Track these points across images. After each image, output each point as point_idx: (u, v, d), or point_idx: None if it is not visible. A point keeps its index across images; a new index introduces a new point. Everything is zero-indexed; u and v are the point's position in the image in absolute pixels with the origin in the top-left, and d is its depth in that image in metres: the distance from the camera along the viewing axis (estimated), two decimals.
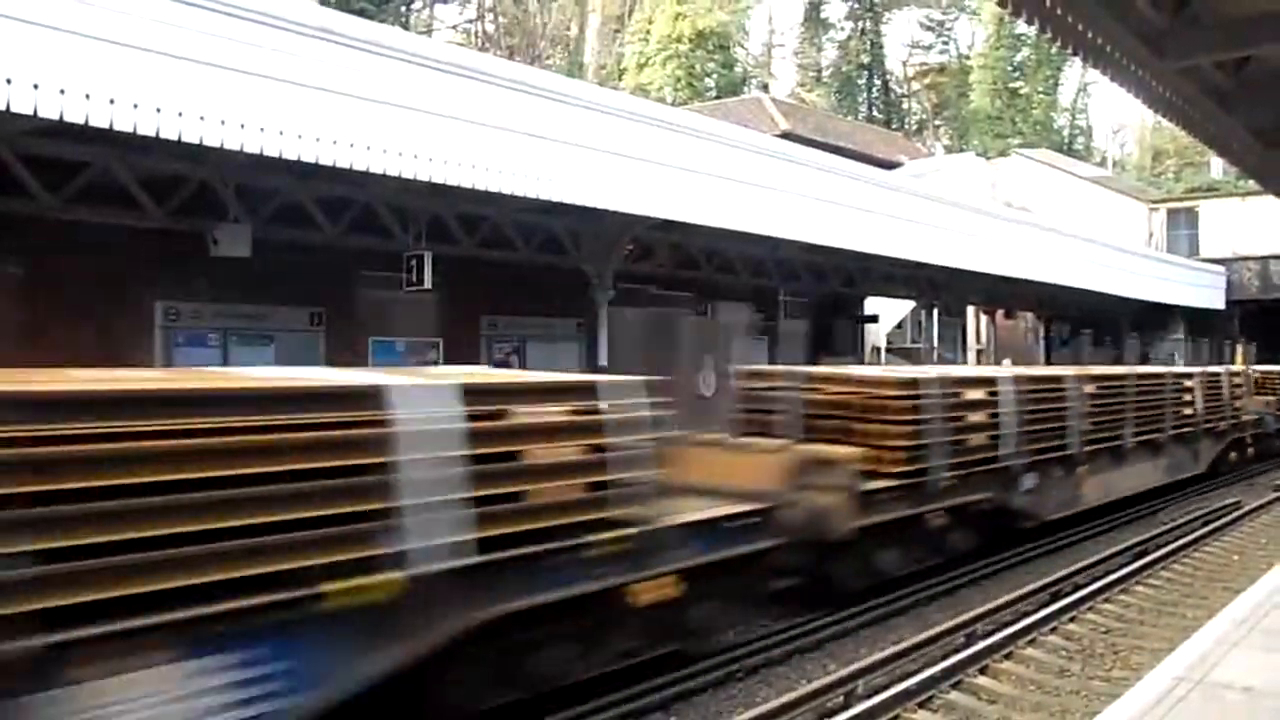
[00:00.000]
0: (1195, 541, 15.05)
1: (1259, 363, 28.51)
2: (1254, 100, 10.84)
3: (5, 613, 4.64)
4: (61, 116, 8.81)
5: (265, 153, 10.36)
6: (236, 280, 14.99)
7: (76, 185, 12.59)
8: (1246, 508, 18.05)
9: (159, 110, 9.40)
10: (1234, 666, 6.67)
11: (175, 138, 9.63)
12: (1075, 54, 8.72)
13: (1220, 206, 40.84)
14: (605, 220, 15.85)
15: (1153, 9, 8.15)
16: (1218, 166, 42.21)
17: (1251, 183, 22.85)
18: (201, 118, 9.71)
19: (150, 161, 12.39)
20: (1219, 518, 16.97)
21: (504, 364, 19.66)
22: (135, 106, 9.23)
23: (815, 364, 23.73)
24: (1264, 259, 37.26)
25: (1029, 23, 7.81)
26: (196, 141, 9.80)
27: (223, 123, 9.88)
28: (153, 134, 9.46)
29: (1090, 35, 8.07)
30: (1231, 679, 6.39)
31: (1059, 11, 7.44)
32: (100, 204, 12.99)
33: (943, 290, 28.76)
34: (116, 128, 9.21)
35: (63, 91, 8.74)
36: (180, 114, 9.56)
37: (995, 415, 12.95)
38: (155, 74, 9.33)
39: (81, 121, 8.95)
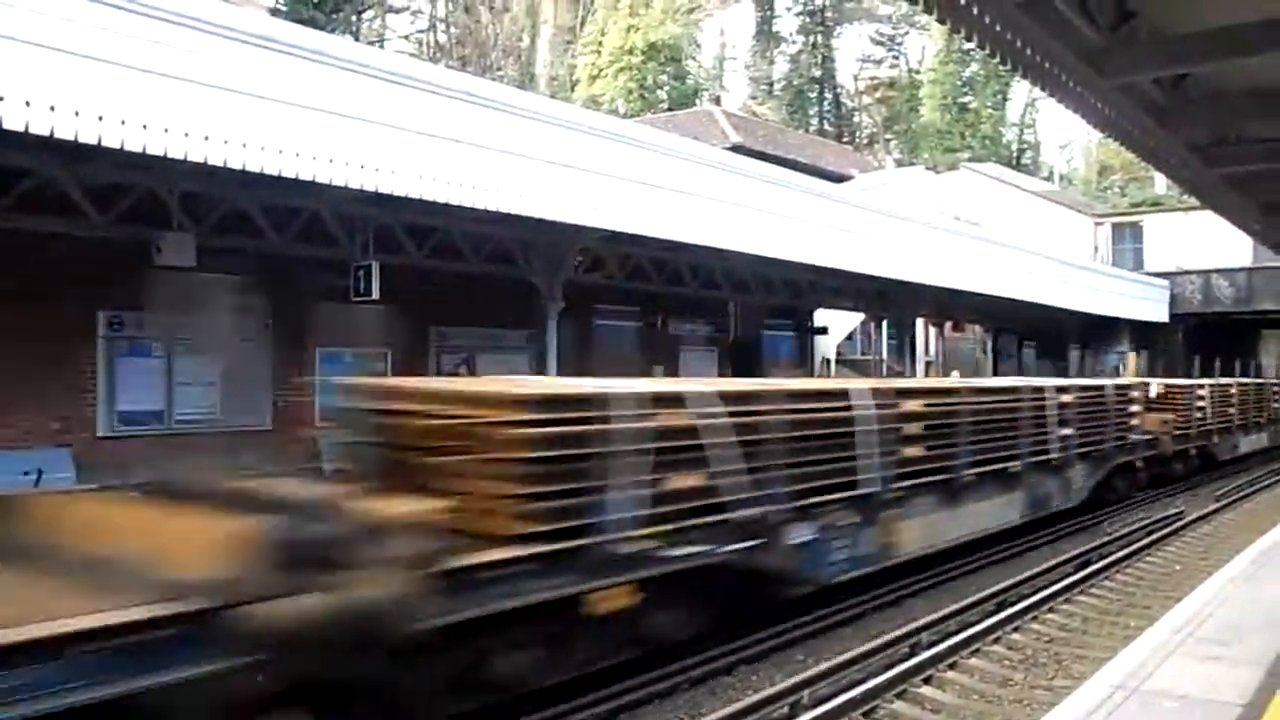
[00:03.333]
0: (1139, 551, 15.25)
1: (1201, 375, 28.81)
2: (1191, 117, 11.10)
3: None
4: (0, 124, 8.68)
5: (210, 162, 10.25)
6: (181, 289, 14.82)
7: (17, 193, 12.42)
8: (1189, 518, 18.32)
9: (101, 118, 9.27)
10: (1170, 675, 6.76)
11: (118, 146, 9.51)
12: (1016, 70, 8.86)
13: (1164, 221, 41.51)
14: (555, 231, 15.85)
15: (1091, 27, 8.29)
16: (1162, 181, 42.90)
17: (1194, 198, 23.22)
18: (145, 126, 9.59)
19: (93, 169, 12.23)
20: (1162, 528, 17.19)
21: (454, 375, 19.60)
22: (77, 114, 9.10)
23: (763, 376, 23.56)
24: (1206, 273, 37.79)
25: (969, 39, 7.92)
26: (140, 150, 9.67)
27: (166, 131, 9.77)
28: (95, 142, 9.34)
29: (1030, 53, 8.21)
30: (1167, 687, 6.48)
31: (999, 28, 7.56)
32: (42, 212, 12.82)
33: (892, 302, 29.01)
34: (58, 136, 9.07)
35: (1, 99, 8.62)
36: (123, 122, 9.43)
37: (705, 447, 9.02)
38: (97, 82, 9.21)
39: (21, 129, 8.81)
